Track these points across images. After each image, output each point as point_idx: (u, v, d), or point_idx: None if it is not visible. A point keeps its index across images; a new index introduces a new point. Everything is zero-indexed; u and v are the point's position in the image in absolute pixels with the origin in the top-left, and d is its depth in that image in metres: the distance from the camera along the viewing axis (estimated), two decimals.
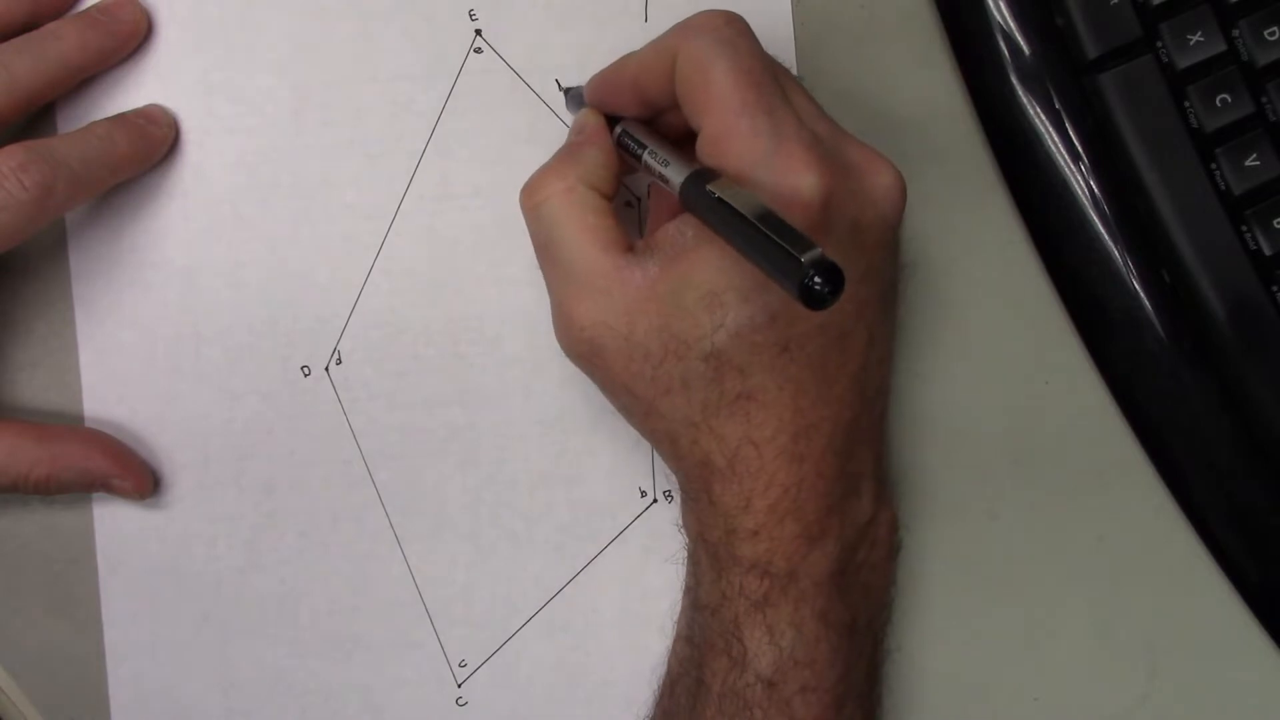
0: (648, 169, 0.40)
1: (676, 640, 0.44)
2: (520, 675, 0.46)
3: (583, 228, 0.39)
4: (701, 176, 0.37)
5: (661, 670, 0.44)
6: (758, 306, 0.38)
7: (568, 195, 0.40)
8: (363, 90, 0.45)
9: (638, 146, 0.41)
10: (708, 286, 0.38)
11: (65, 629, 0.46)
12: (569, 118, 0.45)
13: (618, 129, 0.42)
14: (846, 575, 0.41)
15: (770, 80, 0.38)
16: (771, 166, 0.37)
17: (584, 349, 0.40)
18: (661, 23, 0.45)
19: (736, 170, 0.37)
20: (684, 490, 0.42)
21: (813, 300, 0.32)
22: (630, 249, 0.40)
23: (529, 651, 0.46)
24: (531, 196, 0.41)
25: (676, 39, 0.39)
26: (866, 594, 0.42)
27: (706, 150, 0.38)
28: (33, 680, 0.46)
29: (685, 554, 0.43)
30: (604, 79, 0.43)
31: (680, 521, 0.43)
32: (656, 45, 0.40)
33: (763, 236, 0.34)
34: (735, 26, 0.39)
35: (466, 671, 0.46)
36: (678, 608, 0.45)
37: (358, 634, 0.46)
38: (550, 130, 0.45)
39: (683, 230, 0.39)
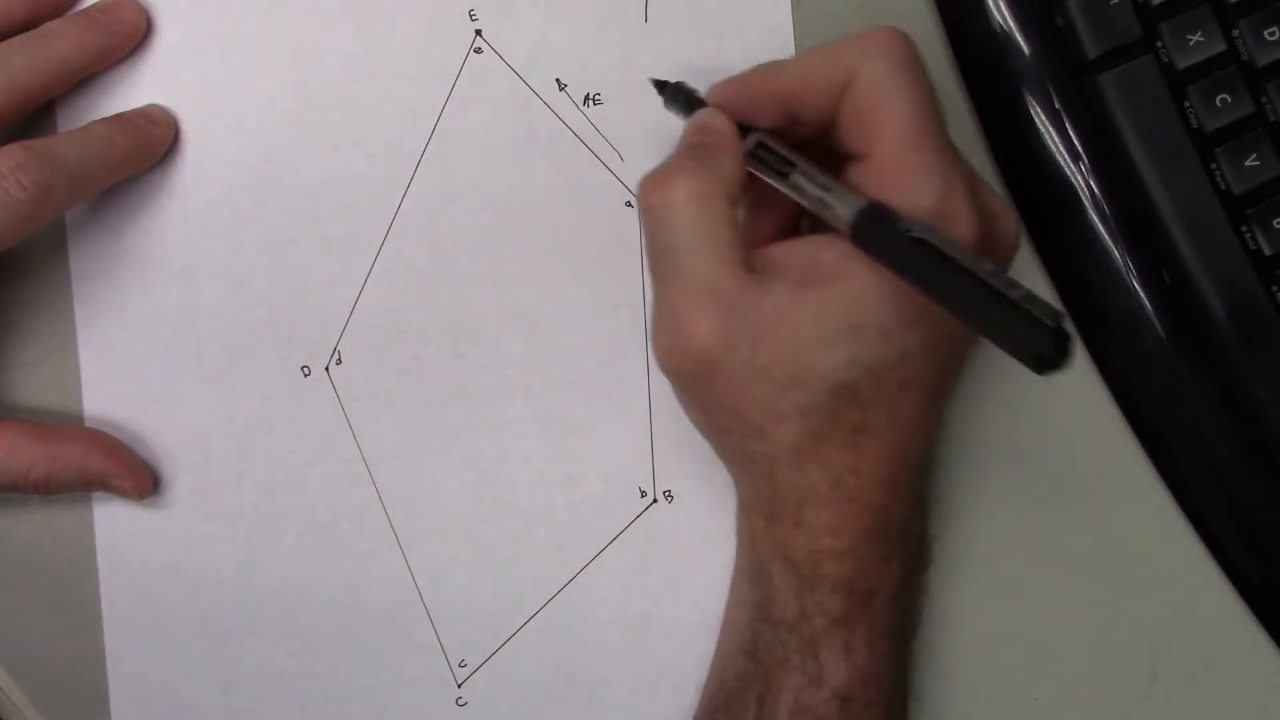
0: (797, 190, 0.38)
1: (731, 653, 0.43)
2: (520, 675, 0.46)
3: (715, 241, 0.38)
4: (882, 212, 0.36)
5: (708, 682, 0.44)
6: (894, 344, 0.37)
7: (704, 205, 0.38)
8: (363, 90, 0.45)
9: (783, 164, 0.39)
10: (848, 320, 0.37)
11: (65, 629, 0.46)
12: (568, 117, 0.45)
13: (751, 139, 0.40)
14: (906, 592, 0.41)
15: (940, 115, 0.38)
16: (937, 208, 0.37)
17: (695, 366, 0.38)
18: (661, 23, 0.45)
19: (902, 205, 0.36)
20: (760, 509, 0.41)
21: (1044, 367, 0.31)
22: (751, 266, 0.38)
23: (529, 651, 0.46)
24: (661, 195, 0.39)
25: (855, 57, 0.38)
26: (914, 608, 0.43)
27: (872, 179, 0.37)
28: (33, 680, 0.46)
29: (742, 567, 0.43)
30: (746, 86, 0.40)
31: (743, 534, 0.43)
32: (825, 60, 0.38)
33: (988, 294, 0.33)
34: (913, 50, 0.38)
35: (466, 671, 0.46)
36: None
37: (358, 634, 0.46)
38: (550, 130, 0.45)
39: (815, 254, 0.38)
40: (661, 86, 0.43)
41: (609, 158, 0.45)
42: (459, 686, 0.47)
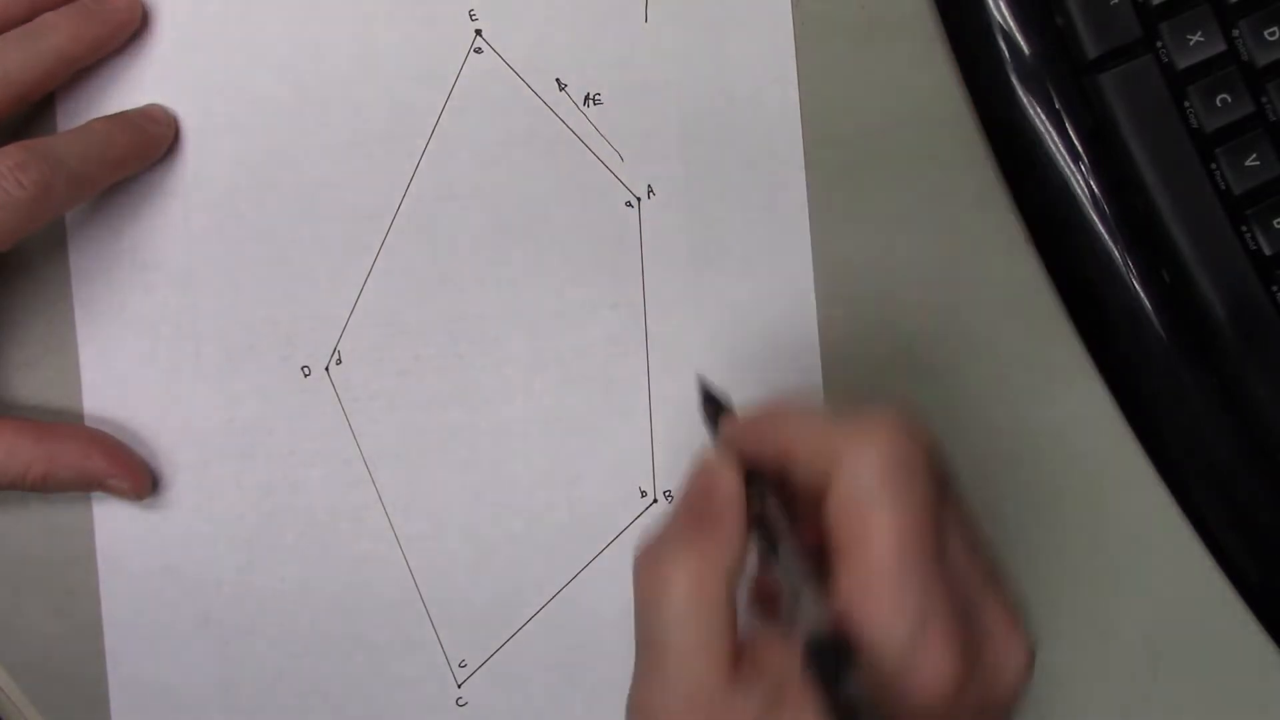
0: (782, 570, 0.35)
1: None
2: (520, 675, 0.46)
3: (706, 639, 0.34)
4: (833, 651, 0.32)
5: None
6: None
7: (702, 597, 0.34)
8: (363, 90, 0.45)
9: (770, 545, 0.35)
10: None
11: (65, 629, 0.46)
12: (570, 119, 0.45)
13: (755, 493, 0.36)
14: None
15: (933, 538, 0.33)
16: (907, 652, 0.33)
17: None
18: (661, 22, 0.45)
19: (868, 638, 0.33)
20: None
21: None
22: (739, 658, 0.34)
23: (529, 651, 0.46)
24: (657, 579, 0.35)
25: (846, 447, 0.34)
26: None
27: (842, 595, 0.33)
28: (33, 680, 0.46)
29: None
30: (754, 427, 0.37)
31: None
32: (817, 437, 0.35)
33: None
34: (915, 451, 0.34)
35: (466, 672, 0.46)
36: None
37: (358, 634, 0.46)
38: (550, 130, 0.45)
39: (790, 666, 0.33)
40: (707, 398, 0.39)
41: (609, 157, 0.45)
42: (459, 686, 0.47)
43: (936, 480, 0.34)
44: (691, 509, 0.36)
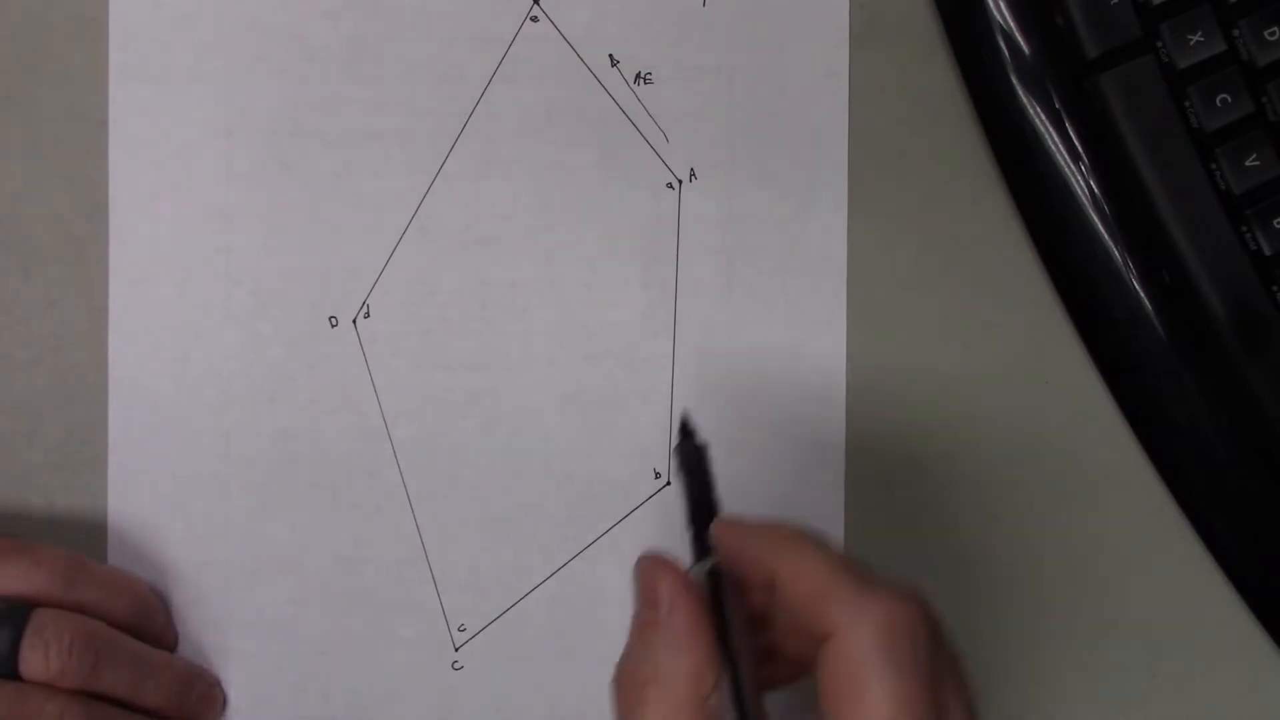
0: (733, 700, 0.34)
1: None
2: (518, 644, 0.46)
3: None
4: None
5: None
6: None
7: None
8: (416, 47, 0.46)
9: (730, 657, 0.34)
10: None
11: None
12: (618, 93, 0.46)
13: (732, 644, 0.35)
14: None
15: (932, 712, 0.33)
16: None
17: None
18: (719, 6, 0.46)
19: None
20: None
21: None
22: None
23: (529, 622, 0.46)
24: (634, 696, 0.36)
25: (847, 602, 0.33)
26: None
27: None
28: None
29: None
30: (748, 543, 0.37)
31: None
32: (821, 577, 0.34)
33: None
34: (917, 631, 0.33)
35: (465, 636, 0.46)
36: None
37: (360, 587, 0.46)
38: (598, 105, 0.46)
39: None
40: (686, 435, 0.40)
41: (654, 137, 0.46)
42: (456, 650, 0.46)
43: (939, 656, 0.34)
44: (659, 630, 0.36)
